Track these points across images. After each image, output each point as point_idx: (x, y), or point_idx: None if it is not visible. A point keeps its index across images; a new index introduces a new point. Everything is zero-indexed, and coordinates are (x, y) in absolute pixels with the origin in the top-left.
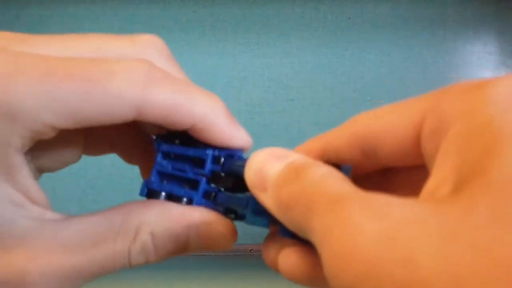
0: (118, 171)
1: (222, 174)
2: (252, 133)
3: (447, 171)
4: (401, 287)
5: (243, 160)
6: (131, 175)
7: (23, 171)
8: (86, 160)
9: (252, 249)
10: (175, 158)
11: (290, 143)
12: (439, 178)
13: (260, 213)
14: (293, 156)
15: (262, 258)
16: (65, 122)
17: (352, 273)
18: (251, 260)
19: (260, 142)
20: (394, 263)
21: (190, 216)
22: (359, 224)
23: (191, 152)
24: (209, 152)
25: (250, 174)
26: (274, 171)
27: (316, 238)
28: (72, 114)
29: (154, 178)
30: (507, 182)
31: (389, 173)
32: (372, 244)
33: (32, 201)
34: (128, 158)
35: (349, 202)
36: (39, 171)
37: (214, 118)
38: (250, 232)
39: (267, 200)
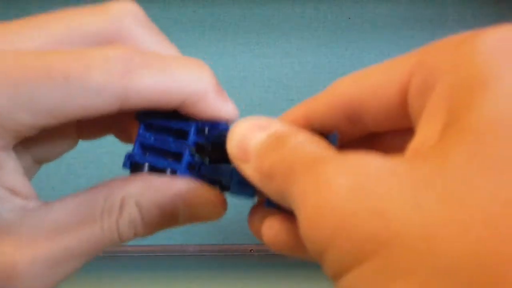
0: (118, 170)
1: (206, 146)
2: None
3: (431, 127)
4: (372, 240)
5: (227, 131)
6: None
7: (7, 167)
8: (86, 160)
9: (252, 249)
10: (158, 130)
11: None
12: (423, 135)
13: (244, 184)
14: (275, 126)
15: (262, 258)
16: (45, 120)
17: (324, 230)
18: (251, 260)
19: None
20: (365, 215)
21: (175, 185)
22: (332, 181)
23: (174, 124)
24: (193, 123)
25: (232, 145)
26: (256, 142)
27: (295, 204)
28: (52, 113)
29: (136, 150)
30: (487, 125)
31: (375, 138)
32: (344, 198)
33: (16, 194)
34: (124, 137)
35: (324, 163)
36: (37, 163)
37: (203, 94)
38: (250, 232)
39: (249, 171)
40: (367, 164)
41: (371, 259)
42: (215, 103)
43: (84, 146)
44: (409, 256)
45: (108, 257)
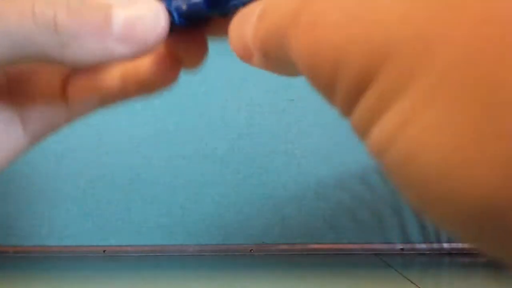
0: (118, 171)
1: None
2: (251, 133)
3: None
4: (374, 57)
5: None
6: (131, 175)
7: None
8: (86, 160)
9: (252, 249)
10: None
11: (290, 143)
12: None
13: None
14: (260, 6)
15: (262, 258)
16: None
17: (327, 63)
18: (251, 260)
19: (260, 141)
20: (364, 34)
21: None
22: (321, 18)
23: None
24: None
25: (235, 47)
26: (251, 34)
27: (295, 56)
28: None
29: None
30: None
31: None
32: (338, 27)
33: None
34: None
35: (302, 10)
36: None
37: None
38: (250, 232)
39: (258, 65)
40: None
41: (376, 79)
42: None
43: (85, 146)
44: (409, 62)
45: (108, 257)
